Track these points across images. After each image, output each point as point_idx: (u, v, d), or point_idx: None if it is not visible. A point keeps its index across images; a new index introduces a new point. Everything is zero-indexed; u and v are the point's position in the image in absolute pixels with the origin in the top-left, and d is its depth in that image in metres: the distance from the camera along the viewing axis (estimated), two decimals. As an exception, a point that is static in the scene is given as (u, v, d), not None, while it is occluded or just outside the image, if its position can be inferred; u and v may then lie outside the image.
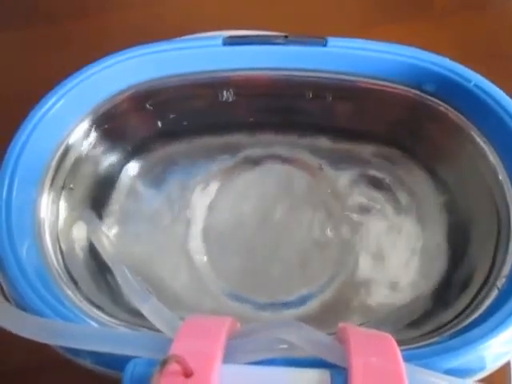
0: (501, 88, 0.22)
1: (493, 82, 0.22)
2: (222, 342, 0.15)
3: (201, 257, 0.25)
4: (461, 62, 0.23)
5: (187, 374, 0.14)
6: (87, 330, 0.18)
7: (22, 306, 0.18)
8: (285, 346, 0.16)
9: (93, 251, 0.24)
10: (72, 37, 0.37)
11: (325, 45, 0.23)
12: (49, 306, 0.18)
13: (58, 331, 0.17)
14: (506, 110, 0.20)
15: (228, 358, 0.16)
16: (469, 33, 0.37)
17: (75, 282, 0.21)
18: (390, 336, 0.16)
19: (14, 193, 0.20)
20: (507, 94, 0.31)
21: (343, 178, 0.26)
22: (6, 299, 0.19)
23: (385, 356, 0.15)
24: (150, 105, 0.25)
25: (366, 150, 0.26)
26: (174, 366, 0.13)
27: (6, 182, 0.20)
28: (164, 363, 0.13)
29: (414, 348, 0.18)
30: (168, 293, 0.24)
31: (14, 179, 0.20)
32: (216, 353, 0.15)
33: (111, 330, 0.19)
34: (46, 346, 0.18)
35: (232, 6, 0.37)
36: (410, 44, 0.24)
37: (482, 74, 0.23)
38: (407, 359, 0.16)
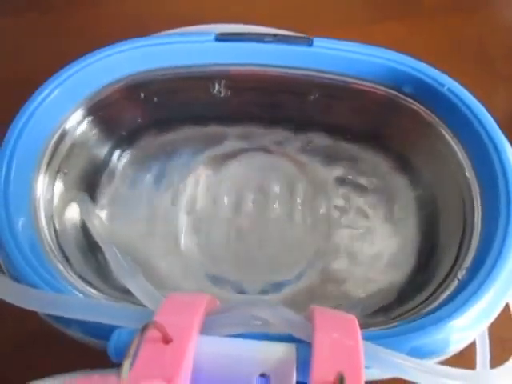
0: (483, 90, 0.23)
1: (477, 84, 0.24)
2: (201, 315, 0.17)
3: (187, 241, 0.26)
4: (446, 63, 0.24)
5: (166, 340, 0.15)
6: (76, 300, 0.19)
7: (16, 277, 0.20)
8: (259, 323, 0.18)
9: (84, 231, 0.25)
10: (73, 24, 0.38)
11: (310, 45, 0.24)
12: (41, 278, 0.19)
13: (49, 301, 0.18)
14: (474, 114, 0.22)
15: (206, 331, 0.17)
16: (456, 35, 0.38)
17: (67, 259, 0.22)
18: (354, 317, 0.18)
19: (13, 172, 0.21)
20: (491, 96, 0.33)
21: (325, 172, 0.27)
22: (1, 271, 0.21)
23: (346, 334, 0.17)
24: (143, 95, 0.26)
25: (347, 146, 0.27)
26: (154, 333, 0.15)
27: (5, 161, 0.21)
28: (145, 328, 0.14)
29: (375, 330, 0.20)
30: (153, 274, 0.25)
31: (13, 160, 0.21)
32: (194, 324, 0.16)
33: (99, 301, 0.20)
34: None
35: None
36: (396, 43, 0.26)
37: (467, 76, 0.24)
38: (368, 338, 0.18)
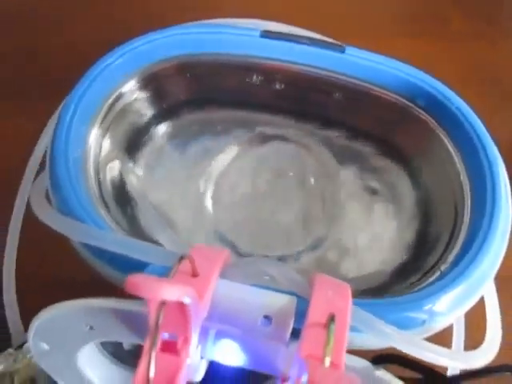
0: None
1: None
2: (221, 262, 0.20)
3: (208, 209, 0.29)
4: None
5: (195, 274, 0.18)
6: (116, 236, 0.22)
7: (63, 210, 0.23)
8: (267, 278, 0.21)
9: (121, 187, 0.28)
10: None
11: (343, 52, 0.28)
12: (87, 212, 0.22)
13: (93, 234, 0.22)
14: (475, 131, 0.25)
15: (222, 277, 0.20)
16: (475, 60, 0.41)
17: (107, 206, 0.26)
18: (347, 284, 0.21)
19: (74, 121, 0.25)
20: (503, 121, 0.36)
21: (338, 165, 0.31)
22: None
23: (339, 295, 0.20)
24: (189, 75, 0.30)
25: (360, 145, 0.31)
26: (185, 267, 0.18)
27: (71, 110, 0.25)
28: (181, 258, 0.17)
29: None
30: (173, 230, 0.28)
31: (76, 111, 0.25)
32: (216, 267, 0.19)
33: (136, 240, 0.23)
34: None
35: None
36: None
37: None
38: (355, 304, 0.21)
